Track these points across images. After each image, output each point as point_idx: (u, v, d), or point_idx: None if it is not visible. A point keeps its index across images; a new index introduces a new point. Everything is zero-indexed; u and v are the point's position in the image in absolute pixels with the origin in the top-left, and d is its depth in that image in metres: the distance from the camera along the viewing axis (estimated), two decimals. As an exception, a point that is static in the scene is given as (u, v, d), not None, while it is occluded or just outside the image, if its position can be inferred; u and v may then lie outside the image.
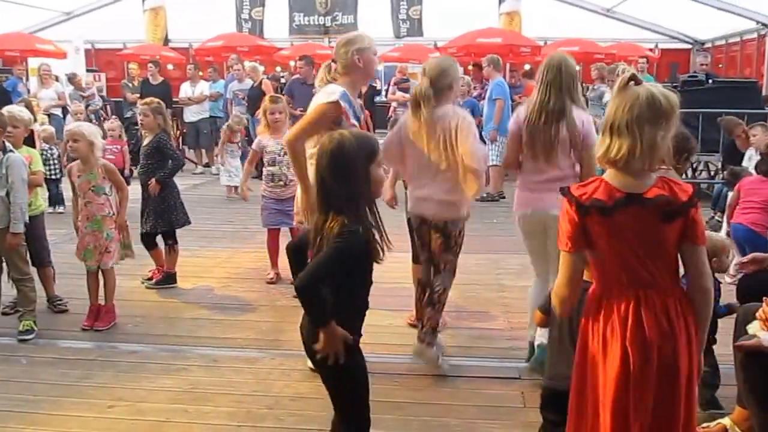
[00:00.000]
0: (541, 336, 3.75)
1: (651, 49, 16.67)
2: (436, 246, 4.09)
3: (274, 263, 6.08)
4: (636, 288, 2.26)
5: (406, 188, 4.52)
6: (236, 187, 10.06)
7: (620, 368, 2.23)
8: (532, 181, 4.04)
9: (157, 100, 6.01)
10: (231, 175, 10.14)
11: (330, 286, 2.48)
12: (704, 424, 3.51)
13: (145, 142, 5.91)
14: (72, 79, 13.08)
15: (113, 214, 5.00)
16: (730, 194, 6.06)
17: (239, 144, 10.38)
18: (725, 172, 5.43)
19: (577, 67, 4.34)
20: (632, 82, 2.25)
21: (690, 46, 17.60)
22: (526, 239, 4.19)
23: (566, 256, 2.33)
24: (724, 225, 6.02)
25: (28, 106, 7.08)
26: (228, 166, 10.25)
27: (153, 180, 5.79)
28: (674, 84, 11.43)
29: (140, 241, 5.94)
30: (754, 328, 3.05)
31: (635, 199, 2.22)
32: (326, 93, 3.98)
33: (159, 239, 6.07)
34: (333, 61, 4.12)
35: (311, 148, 3.82)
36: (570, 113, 3.86)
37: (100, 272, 5.05)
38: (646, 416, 2.22)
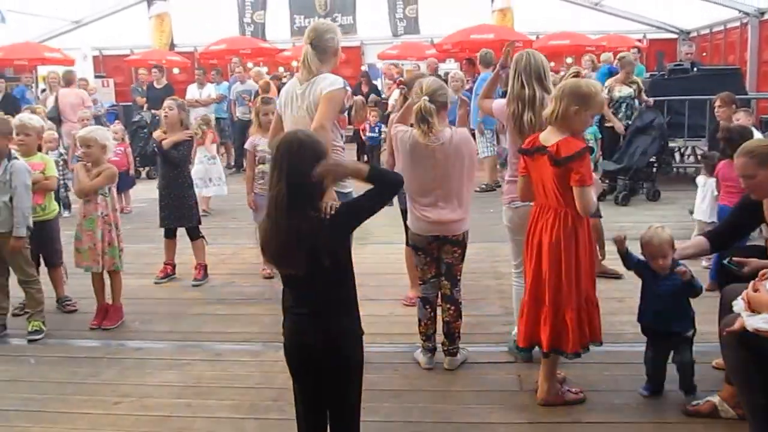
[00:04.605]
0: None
1: (639, 40, 16.92)
2: (453, 258, 4.11)
3: None
4: (542, 202, 3.57)
5: None
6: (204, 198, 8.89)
7: (536, 245, 3.57)
8: None
9: (180, 98, 6.32)
10: (206, 183, 8.59)
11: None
12: (694, 402, 3.56)
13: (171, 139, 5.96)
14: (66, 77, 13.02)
15: (106, 215, 5.03)
16: (699, 178, 6.33)
17: (218, 145, 9.35)
18: (701, 158, 5.66)
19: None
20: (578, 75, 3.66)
21: (676, 36, 17.82)
22: (517, 232, 4.12)
23: (520, 177, 3.73)
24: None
25: (35, 114, 7.19)
26: (199, 173, 8.41)
27: None
28: (661, 72, 11.54)
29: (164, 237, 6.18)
30: (738, 306, 3.07)
31: (542, 149, 3.45)
32: (329, 82, 4.00)
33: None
34: (311, 45, 4.07)
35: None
36: (542, 100, 3.90)
37: (105, 273, 5.13)
38: (544, 273, 3.54)
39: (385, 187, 2.64)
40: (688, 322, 3.69)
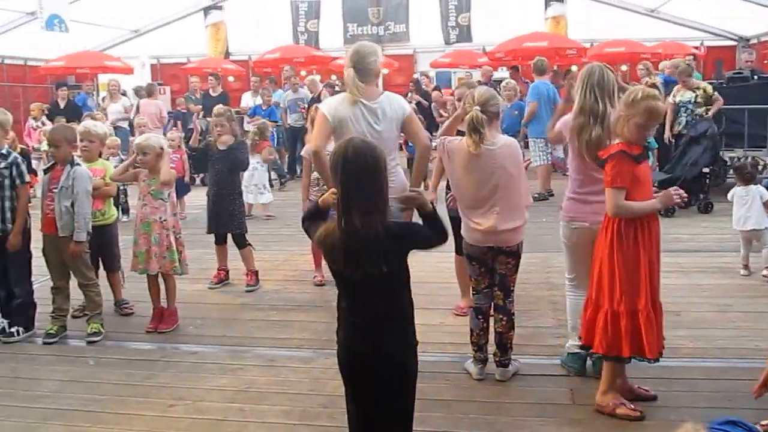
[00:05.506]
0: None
1: (696, 47, 16.46)
2: (507, 269, 4.09)
3: (318, 264, 6.16)
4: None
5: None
6: (257, 205, 9.19)
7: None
8: (587, 192, 3.95)
9: (227, 108, 6.46)
10: (251, 192, 8.84)
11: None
12: (763, 421, 3.42)
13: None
14: (148, 89, 13.42)
15: (164, 220, 5.15)
16: (737, 190, 6.22)
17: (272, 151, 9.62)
18: (733, 169, 5.59)
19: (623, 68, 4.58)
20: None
21: (735, 43, 17.33)
22: (572, 250, 4.08)
23: None
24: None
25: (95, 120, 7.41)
26: (247, 181, 8.56)
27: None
28: (720, 81, 11.25)
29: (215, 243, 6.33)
30: None
31: None
32: (402, 99, 4.47)
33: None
34: (355, 68, 4.18)
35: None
36: (609, 116, 3.80)
37: (159, 276, 5.25)
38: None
39: (432, 231, 2.78)
40: None
